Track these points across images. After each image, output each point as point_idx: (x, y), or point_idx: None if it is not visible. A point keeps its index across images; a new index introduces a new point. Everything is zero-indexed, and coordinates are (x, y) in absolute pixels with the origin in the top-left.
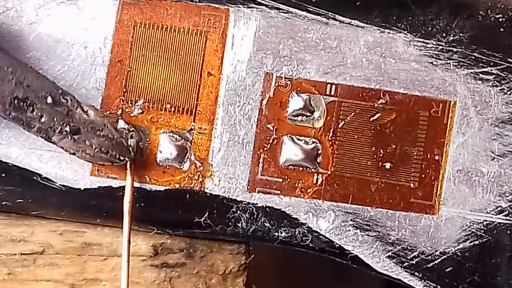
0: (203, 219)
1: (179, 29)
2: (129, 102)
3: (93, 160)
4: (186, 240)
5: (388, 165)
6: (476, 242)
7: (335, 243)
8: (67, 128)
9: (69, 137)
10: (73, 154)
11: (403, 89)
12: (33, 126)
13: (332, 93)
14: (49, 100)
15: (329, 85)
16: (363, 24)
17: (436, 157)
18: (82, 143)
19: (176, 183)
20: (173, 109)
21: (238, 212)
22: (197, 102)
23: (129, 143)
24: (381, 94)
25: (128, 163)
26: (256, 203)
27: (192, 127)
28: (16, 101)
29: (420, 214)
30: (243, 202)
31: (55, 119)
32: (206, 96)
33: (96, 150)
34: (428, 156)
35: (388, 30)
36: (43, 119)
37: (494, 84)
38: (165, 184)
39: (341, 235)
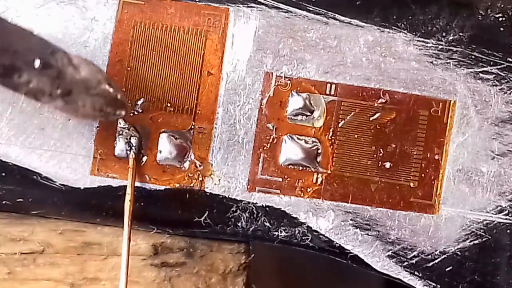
0: (203, 218)
1: (179, 28)
2: (129, 101)
3: (87, 119)
4: (186, 239)
5: (388, 165)
6: (476, 242)
7: (334, 243)
8: (58, 91)
9: (60, 99)
10: (65, 113)
11: (403, 88)
12: (21, 90)
13: (332, 92)
14: (37, 64)
15: (328, 85)
16: (363, 24)
17: (436, 157)
18: (74, 104)
19: (176, 182)
20: (173, 108)
21: (238, 212)
22: (197, 102)
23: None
24: (381, 93)
25: (131, 160)
26: (256, 203)
27: (192, 127)
28: (2, 69)
29: (420, 213)
30: (243, 202)
31: (44, 83)
32: (206, 95)
33: (89, 109)
34: (428, 156)
35: (388, 30)
36: (31, 85)
37: (494, 84)
38: (165, 183)
39: (341, 235)
